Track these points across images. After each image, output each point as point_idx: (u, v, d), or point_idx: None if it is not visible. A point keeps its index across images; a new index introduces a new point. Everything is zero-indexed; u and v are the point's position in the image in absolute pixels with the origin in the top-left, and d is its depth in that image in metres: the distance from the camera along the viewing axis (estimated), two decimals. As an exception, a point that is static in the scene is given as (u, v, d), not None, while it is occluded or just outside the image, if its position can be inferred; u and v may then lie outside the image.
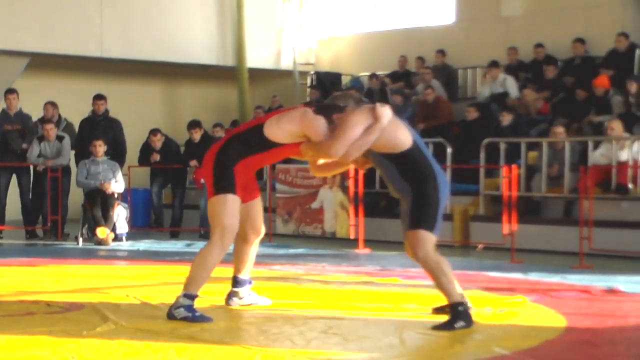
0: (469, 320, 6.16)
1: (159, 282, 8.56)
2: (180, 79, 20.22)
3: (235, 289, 7.08)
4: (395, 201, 14.96)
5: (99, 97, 14.61)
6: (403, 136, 6.26)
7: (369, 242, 12.96)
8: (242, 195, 6.64)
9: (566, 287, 8.49)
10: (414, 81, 17.85)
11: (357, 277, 9.42)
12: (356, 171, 13.06)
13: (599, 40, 15.91)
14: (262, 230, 7.10)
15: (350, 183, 13.23)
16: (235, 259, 7.08)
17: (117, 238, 13.53)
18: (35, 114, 14.73)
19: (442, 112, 16.10)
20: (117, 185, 13.72)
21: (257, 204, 7.01)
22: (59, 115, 14.90)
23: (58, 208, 14.05)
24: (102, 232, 13.15)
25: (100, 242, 13.15)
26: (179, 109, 20.04)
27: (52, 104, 14.88)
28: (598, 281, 9.02)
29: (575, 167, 12.65)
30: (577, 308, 7.32)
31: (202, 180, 14.48)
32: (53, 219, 14.15)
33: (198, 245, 13.17)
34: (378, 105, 6.39)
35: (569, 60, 15.93)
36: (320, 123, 6.42)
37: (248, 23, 19.57)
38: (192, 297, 6.43)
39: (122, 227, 13.69)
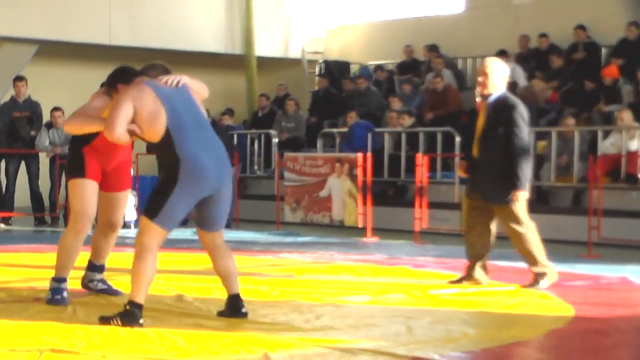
0: (131, 322, 5.67)
1: (166, 270, 8.53)
2: (188, 67, 19.97)
3: (89, 272, 7.05)
4: (403, 190, 15.00)
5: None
6: (160, 123, 5.77)
7: (377, 231, 12.95)
8: (105, 184, 6.69)
9: (574, 277, 8.48)
10: (422, 70, 17.81)
11: (365, 265, 9.41)
12: (364, 159, 13.04)
13: (607, 29, 15.85)
14: (119, 225, 7.03)
15: (359, 171, 13.21)
16: (91, 244, 7.07)
17: (125, 225, 13.52)
18: (44, 101, 14.72)
19: (451, 101, 16.06)
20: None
21: (121, 197, 6.89)
22: None
23: (66, 195, 14.05)
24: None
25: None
26: (187, 97, 19.96)
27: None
28: (607, 270, 9.01)
29: (585, 157, 12.61)
30: (585, 297, 7.31)
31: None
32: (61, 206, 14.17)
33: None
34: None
35: (572, 46, 15.89)
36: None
37: (257, 11, 19.53)
38: (59, 280, 6.57)
39: (130, 214, 13.69)
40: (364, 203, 13.06)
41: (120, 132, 5.76)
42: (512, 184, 7.46)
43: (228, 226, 14.57)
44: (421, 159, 12.76)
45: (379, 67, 18.41)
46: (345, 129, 15.86)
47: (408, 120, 15.25)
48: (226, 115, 17.26)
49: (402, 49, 18.56)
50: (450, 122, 14.99)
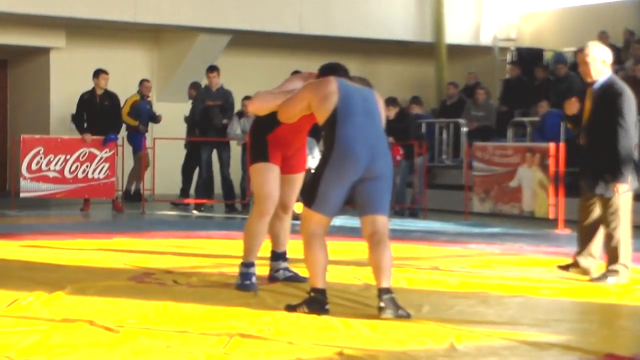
0: (315, 309, 5.69)
1: (353, 259, 8.52)
2: (377, 55, 20.20)
3: (273, 262, 7.07)
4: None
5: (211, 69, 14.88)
6: (326, 107, 5.85)
7: (569, 223, 12.59)
8: (283, 167, 6.75)
9: None
10: (622, 56, 17.18)
11: (556, 258, 9.15)
12: (557, 149, 12.70)
13: None
14: (291, 207, 7.04)
15: (551, 162, 12.88)
16: (269, 232, 7.01)
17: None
18: (235, 90, 15.05)
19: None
20: (313, 161, 13.85)
21: (296, 179, 6.96)
22: None
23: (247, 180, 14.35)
24: (299, 207, 13.29)
25: (298, 217, 13.29)
26: (375, 85, 19.88)
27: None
28: None
29: None
30: None
31: (398, 157, 14.48)
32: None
33: (393, 222, 13.14)
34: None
35: None
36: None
37: (447, -2, 19.35)
38: (247, 265, 6.65)
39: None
40: (556, 194, 12.73)
41: (290, 115, 6.19)
42: (613, 176, 7.24)
43: (415, 215, 14.54)
44: (617, 149, 12.30)
45: (580, 50, 17.82)
46: (537, 118, 15.51)
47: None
48: (414, 104, 17.17)
49: (596, 35, 17.97)
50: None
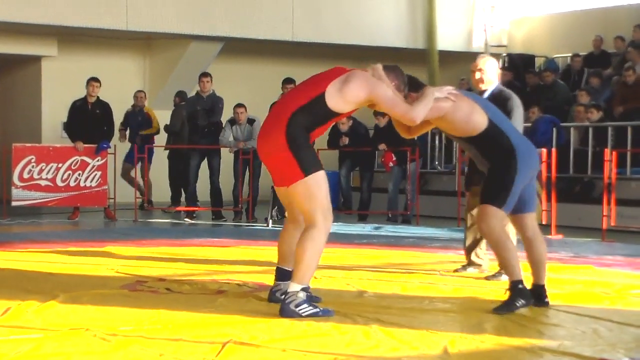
0: (528, 298, 6.24)
1: (346, 265, 8.56)
2: (370, 62, 20.11)
3: (277, 282, 6.28)
4: (590, 186, 14.54)
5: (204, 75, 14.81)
6: (477, 119, 6.33)
7: (562, 228, 12.62)
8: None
9: None
10: (612, 62, 17.22)
11: (549, 263, 9.15)
12: (549, 155, 12.71)
13: None
14: (301, 221, 6.13)
15: (543, 167, 12.89)
16: (281, 247, 6.32)
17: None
18: (227, 97, 15.02)
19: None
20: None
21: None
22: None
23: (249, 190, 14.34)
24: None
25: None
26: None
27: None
28: None
29: None
30: None
31: (390, 164, 14.48)
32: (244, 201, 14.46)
33: (386, 229, 13.16)
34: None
35: None
36: (388, 90, 6.10)
37: (439, 4, 19.37)
38: (308, 290, 5.84)
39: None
40: (548, 199, 12.74)
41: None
42: None
43: (407, 221, 14.54)
44: (610, 155, 12.35)
45: (576, 55, 17.84)
46: (528, 124, 15.52)
47: (596, 114, 14.80)
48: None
49: (589, 41, 18.01)
50: (641, 116, 14.44)
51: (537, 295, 6.40)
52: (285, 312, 5.73)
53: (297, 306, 5.73)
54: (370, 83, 6.06)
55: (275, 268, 6.38)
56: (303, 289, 5.78)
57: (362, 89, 6.02)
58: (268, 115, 6.18)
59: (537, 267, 6.51)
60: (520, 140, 6.40)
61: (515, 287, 6.22)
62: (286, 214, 6.45)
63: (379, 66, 6.26)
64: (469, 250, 8.16)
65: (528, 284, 6.41)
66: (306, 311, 5.73)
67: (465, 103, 6.37)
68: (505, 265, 6.41)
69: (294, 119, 5.88)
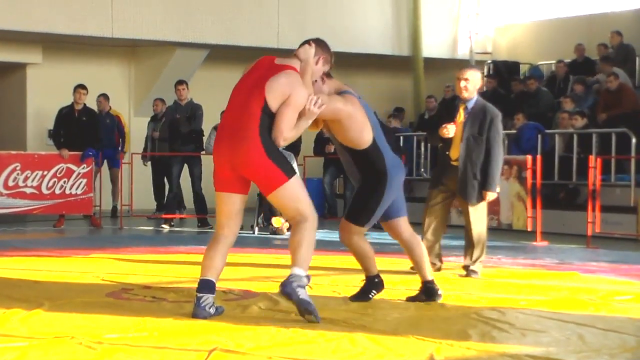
0: (379, 287, 6.92)
1: (332, 272, 8.57)
2: (355, 69, 20.23)
3: (199, 294, 6.06)
4: (575, 192, 14.58)
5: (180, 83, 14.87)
6: (366, 135, 6.50)
7: (547, 235, 12.65)
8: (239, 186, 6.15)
9: None
10: (596, 69, 17.30)
11: (534, 270, 9.18)
12: (534, 162, 12.75)
13: None
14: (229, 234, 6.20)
15: (528, 174, 12.93)
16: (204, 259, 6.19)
17: (291, 228, 13.65)
18: (212, 104, 14.99)
19: (625, 101, 15.52)
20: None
21: (241, 200, 6.24)
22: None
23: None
24: (277, 221, 13.31)
25: (276, 232, 13.32)
26: (354, 99, 20.04)
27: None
28: None
29: None
30: None
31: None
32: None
33: (372, 236, 13.16)
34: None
35: None
36: (300, 100, 6.14)
37: (424, 11, 19.42)
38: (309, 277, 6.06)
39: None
40: (533, 206, 12.78)
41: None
42: (484, 184, 8.40)
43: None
44: (594, 161, 12.39)
45: (560, 62, 17.91)
46: (514, 131, 15.58)
47: (580, 121, 14.86)
48: (394, 117, 17.23)
49: (573, 48, 18.09)
50: (625, 123, 14.49)
51: (430, 291, 6.82)
52: (286, 287, 5.90)
53: (298, 287, 5.90)
54: (292, 89, 6.13)
55: (198, 280, 6.16)
56: (307, 277, 6.02)
57: (284, 95, 6.09)
58: (226, 126, 6.20)
59: (420, 266, 6.91)
60: (392, 162, 6.60)
61: (372, 280, 6.86)
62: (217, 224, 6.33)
63: (312, 51, 6.53)
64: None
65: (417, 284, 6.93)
66: (304, 296, 5.89)
67: (360, 114, 6.50)
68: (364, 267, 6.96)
69: (262, 128, 6.01)
